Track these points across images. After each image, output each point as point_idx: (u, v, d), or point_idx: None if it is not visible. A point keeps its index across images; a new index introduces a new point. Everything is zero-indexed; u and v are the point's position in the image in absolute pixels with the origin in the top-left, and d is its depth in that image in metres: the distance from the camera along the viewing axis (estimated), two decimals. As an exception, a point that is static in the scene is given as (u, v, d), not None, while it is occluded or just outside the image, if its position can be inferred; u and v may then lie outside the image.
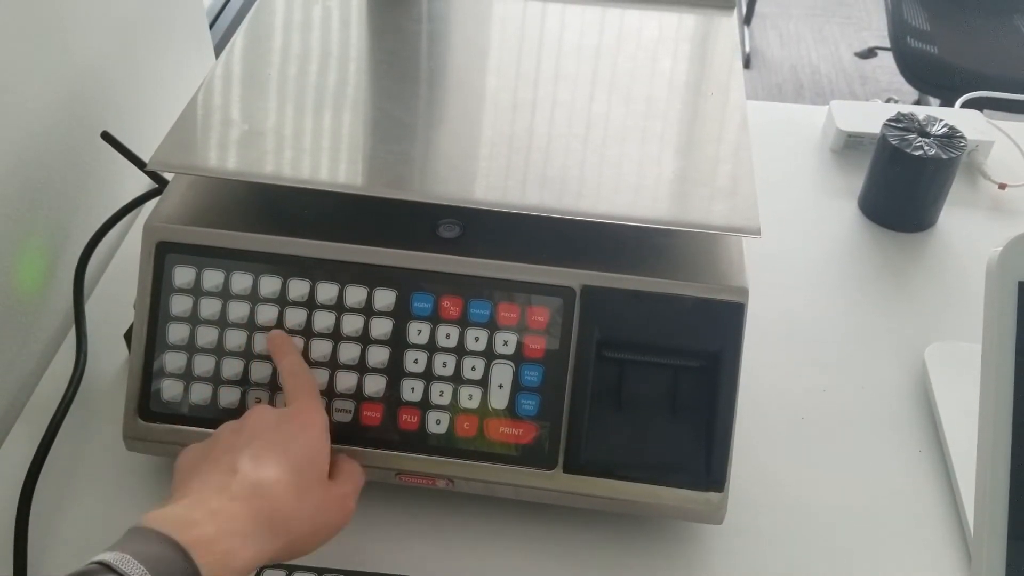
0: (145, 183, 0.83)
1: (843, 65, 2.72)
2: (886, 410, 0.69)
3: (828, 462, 0.66)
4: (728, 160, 0.60)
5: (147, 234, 0.58)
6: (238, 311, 0.58)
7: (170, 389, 0.59)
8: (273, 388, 0.58)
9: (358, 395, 0.58)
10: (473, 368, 0.57)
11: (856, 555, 0.60)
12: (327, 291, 0.58)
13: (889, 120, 0.83)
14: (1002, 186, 0.88)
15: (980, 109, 0.95)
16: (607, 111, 0.64)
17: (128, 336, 0.69)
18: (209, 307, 0.58)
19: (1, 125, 0.65)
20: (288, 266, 0.58)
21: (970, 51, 1.84)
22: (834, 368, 0.72)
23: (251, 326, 0.58)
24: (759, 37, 2.83)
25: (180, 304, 0.58)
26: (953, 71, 1.79)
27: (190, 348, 0.58)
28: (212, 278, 0.58)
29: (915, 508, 0.63)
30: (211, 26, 1.14)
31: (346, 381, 0.58)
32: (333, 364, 0.58)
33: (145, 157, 0.64)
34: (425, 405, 0.57)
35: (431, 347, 0.57)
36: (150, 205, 0.75)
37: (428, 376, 0.57)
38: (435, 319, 0.57)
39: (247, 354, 0.58)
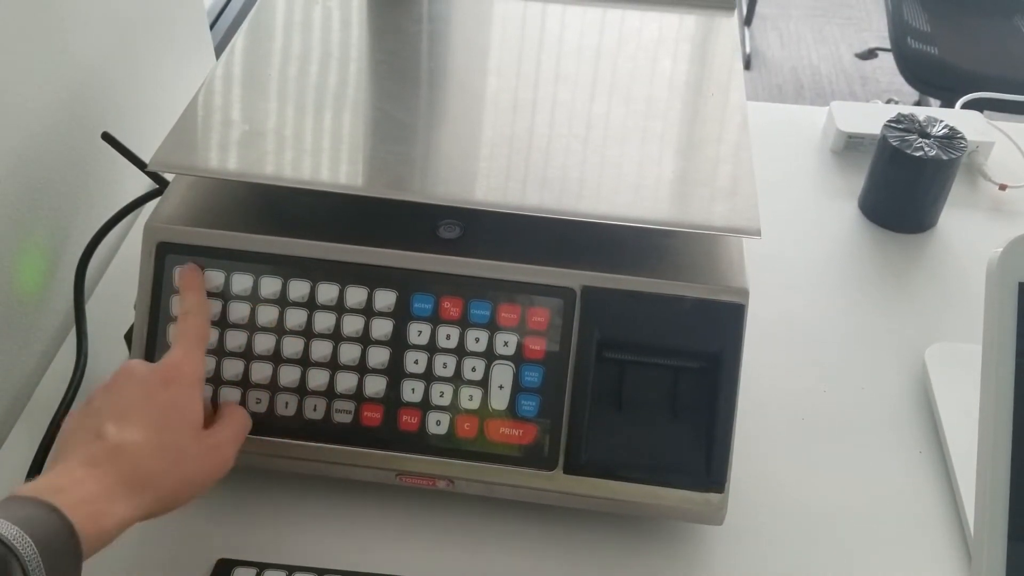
0: (145, 184, 0.83)
1: (843, 66, 2.72)
2: (886, 411, 0.69)
3: (828, 463, 0.66)
4: (728, 161, 0.60)
5: (147, 235, 0.59)
6: (238, 311, 0.58)
7: (170, 389, 0.59)
8: (273, 389, 0.58)
9: (358, 396, 0.58)
10: (473, 369, 0.57)
11: (856, 556, 0.60)
12: (327, 292, 0.58)
13: (889, 121, 0.83)
14: (1002, 187, 0.88)
15: (980, 110, 0.95)
16: (607, 112, 0.64)
17: (129, 337, 0.69)
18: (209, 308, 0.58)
19: (1, 126, 0.65)
20: (288, 267, 0.58)
21: (970, 52, 1.84)
22: (834, 369, 0.72)
23: (251, 327, 0.58)
24: (759, 38, 2.83)
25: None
26: (953, 72, 1.79)
27: (190, 348, 0.58)
28: (212, 279, 0.58)
29: (915, 509, 0.63)
30: (212, 27, 1.14)
31: (346, 382, 0.58)
32: (333, 365, 0.58)
33: (146, 158, 0.64)
34: (425, 406, 0.57)
35: (431, 348, 0.57)
36: (150, 206, 0.75)
37: (428, 377, 0.57)
38: (435, 320, 0.57)
39: (247, 355, 0.58)
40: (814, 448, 0.66)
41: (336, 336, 0.58)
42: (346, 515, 0.61)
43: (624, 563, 0.59)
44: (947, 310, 0.77)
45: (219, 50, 1.04)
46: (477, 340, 0.57)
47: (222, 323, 0.58)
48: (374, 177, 0.59)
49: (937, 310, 0.77)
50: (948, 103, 1.76)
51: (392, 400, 0.58)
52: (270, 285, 0.58)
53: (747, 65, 2.69)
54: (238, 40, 0.70)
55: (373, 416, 0.58)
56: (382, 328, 0.58)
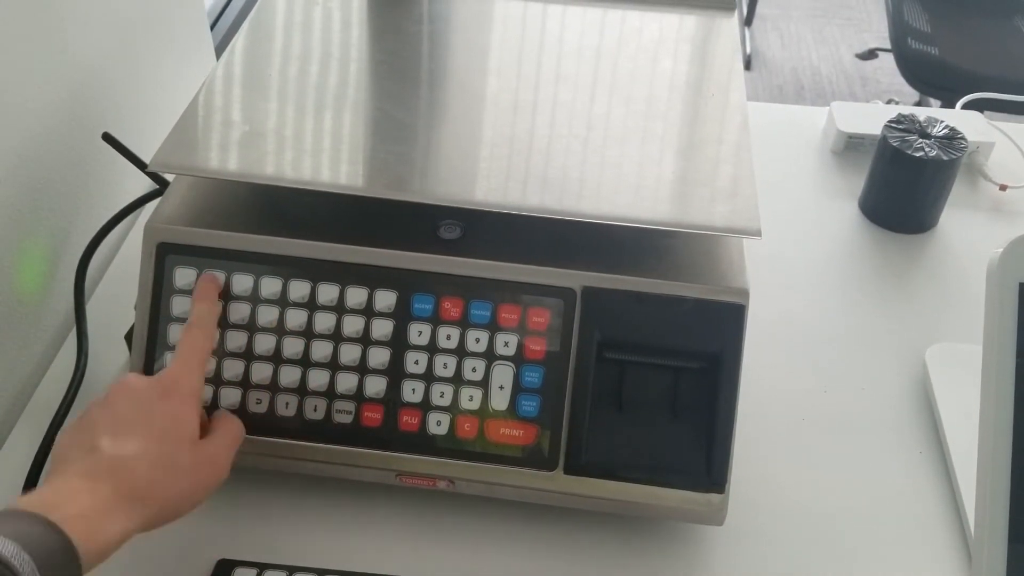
0: (146, 184, 0.83)
1: (844, 66, 2.72)
2: (887, 411, 0.69)
3: (829, 463, 0.65)
4: (729, 161, 0.60)
5: (148, 235, 0.59)
6: (239, 312, 0.58)
7: (171, 390, 0.59)
8: (273, 389, 0.58)
9: (359, 396, 0.58)
10: (474, 369, 0.57)
11: (857, 556, 0.60)
12: (328, 292, 0.58)
13: (890, 121, 0.83)
14: (1003, 187, 0.88)
15: (981, 110, 0.95)
16: (608, 112, 0.64)
17: (129, 337, 0.69)
18: (210, 308, 0.58)
19: (2, 126, 0.65)
20: (289, 267, 0.58)
21: (971, 52, 1.84)
22: (835, 369, 0.72)
23: (252, 327, 0.58)
24: (760, 38, 2.83)
25: (181, 305, 0.58)
26: (954, 72, 1.79)
27: (191, 349, 0.58)
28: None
29: (915, 510, 0.63)
30: (212, 27, 1.14)
31: (347, 382, 0.58)
32: (334, 365, 0.58)
33: (146, 158, 0.64)
34: (426, 406, 0.57)
35: (432, 348, 0.57)
36: (151, 206, 0.76)
37: (429, 377, 0.57)
38: (436, 320, 0.57)
39: (248, 355, 0.58)
40: (814, 449, 0.66)
41: (336, 336, 0.58)
42: (346, 515, 0.61)
43: (624, 563, 0.59)
44: (947, 310, 0.77)
45: (219, 50, 1.04)
46: (477, 340, 0.57)
47: (223, 323, 0.58)
48: (374, 177, 0.59)
49: (937, 311, 0.77)
50: (948, 103, 1.76)
51: (392, 400, 0.58)
52: (270, 285, 0.58)
53: (747, 65, 2.69)
54: (238, 40, 0.70)
55: (373, 416, 0.58)
56: (382, 328, 0.58)
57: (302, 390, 0.58)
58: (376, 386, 0.58)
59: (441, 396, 0.57)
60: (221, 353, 0.58)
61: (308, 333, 0.58)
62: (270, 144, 0.59)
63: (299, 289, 0.58)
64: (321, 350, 0.58)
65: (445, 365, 0.57)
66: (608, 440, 0.57)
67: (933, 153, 0.80)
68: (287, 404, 0.58)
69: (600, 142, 0.61)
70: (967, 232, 0.84)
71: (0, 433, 0.67)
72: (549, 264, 0.57)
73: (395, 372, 0.57)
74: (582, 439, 0.57)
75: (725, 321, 0.56)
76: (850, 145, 0.93)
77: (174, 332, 0.58)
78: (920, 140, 0.81)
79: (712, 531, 0.61)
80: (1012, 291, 0.46)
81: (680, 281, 0.56)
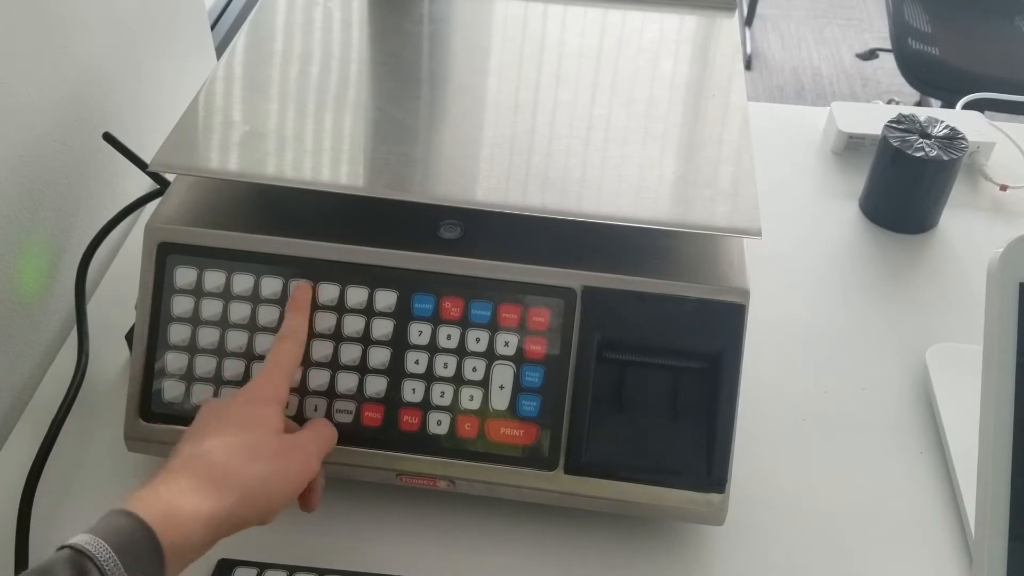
0: (147, 184, 0.83)
1: (844, 67, 2.72)
2: (887, 411, 0.69)
3: (829, 463, 0.65)
4: (729, 161, 0.60)
5: (148, 235, 0.59)
6: (239, 312, 0.58)
7: (171, 390, 0.59)
8: (274, 389, 0.58)
9: (359, 396, 0.58)
10: (474, 369, 0.57)
11: (857, 556, 0.60)
12: (328, 292, 0.58)
13: (890, 121, 0.83)
14: (1003, 187, 0.88)
15: (981, 111, 0.95)
16: (608, 113, 0.64)
17: (129, 337, 0.69)
18: (210, 308, 0.58)
19: (3, 126, 0.65)
20: (289, 267, 0.58)
21: (971, 53, 1.84)
22: (835, 369, 0.72)
23: (252, 327, 0.58)
24: (760, 38, 2.83)
25: (181, 305, 0.58)
26: (954, 73, 1.79)
27: (191, 349, 0.58)
28: (213, 279, 0.58)
29: (916, 509, 0.63)
30: (212, 27, 1.14)
31: (347, 382, 0.58)
32: (334, 365, 0.58)
33: (147, 158, 0.64)
34: (426, 406, 0.57)
35: (432, 348, 0.57)
36: (151, 206, 0.76)
37: (429, 377, 0.57)
38: (436, 320, 0.57)
39: (248, 355, 0.58)
40: (815, 448, 0.66)
41: (337, 336, 0.58)
42: (347, 515, 0.61)
43: (625, 563, 0.59)
44: (948, 311, 0.77)
45: (220, 51, 1.04)
46: (478, 340, 0.57)
47: (223, 323, 0.58)
48: (375, 177, 0.59)
49: (938, 311, 0.77)
50: (949, 104, 1.76)
51: (393, 400, 0.58)
52: (271, 285, 0.58)
53: (748, 66, 2.69)
54: (239, 41, 0.70)
55: (374, 416, 0.58)
56: (383, 328, 0.58)
57: (302, 390, 0.58)
58: (376, 386, 0.58)
59: (441, 396, 0.57)
60: (222, 353, 0.58)
61: (309, 333, 0.58)
62: (270, 144, 0.59)
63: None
64: (321, 350, 0.58)
65: (445, 365, 0.57)
66: (608, 440, 0.57)
67: (933, 153, 0.80)
68: (287, 404, 0.58)
69: (601, 142, 0.61)
70: (967, 232, 0.84)
71: (1, 432, 0.67)
72: (549, 264, 0.57)
73: (395, 372, 0.58)
74: (582, 439, 0.57)
75: (725, 321, 0.56)
76: (850, 145, 0.93)
77: (175, 332, 0.58)
78: (920, 140, 0.81)
79: (712, 531, 0.61)
80: (1012, 291, 0.46)
81: (681, 281, 0.56)
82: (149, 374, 0.59)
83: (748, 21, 2.87)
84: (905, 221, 0.84)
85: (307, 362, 0.58)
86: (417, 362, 0.57)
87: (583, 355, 0.57)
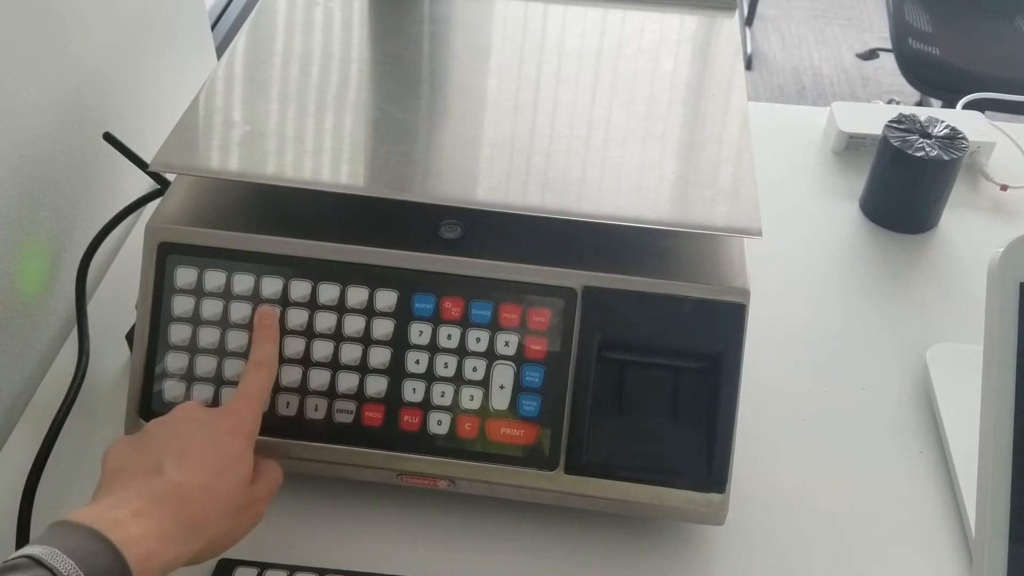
0: (147, 184, 0.83)
1: (844, 66, 2.72)
2: (887, 411, 0.69)
3: (829, 463, 0.65)
4: (729, 161, 0.60)
5: (149, 235, 0.59)
6: (240, 312, 0.58)
7: (172, 390, 0.59)
8: (274, 389, 0.58)
9: (360, 396, 0.58)
10: (474, 369, 0.57)
11: (857, 556, 0.60)
12: (329, 292, 0.58)
13: (891, 121, 0.83)
14: (1003, 187, 0.88)
15: (982, 110, 0.95)
16: (608, 113, 0.64)
17: (130, 337, 0.69)
18: (211, 308, 0.58)
19: (3, 126, 0.65)
20: (290, 267, 0.58)
21: (972, 53, 1.84)
22: (835, 369, 0.72)
23: (253, 327, 0.58)
24: (760, 38, 2.83)
25: (182, 305, 0.58)
26: (955, 72, 1.79)
27: (192, 349, 0.58)
28: (214, 279, 0.58)
29: (916, 509, 0.63)
30: (213, 27, 1.14)
31: (348, 382, 0.58)
32: (335, 365, 0.58)
33: (147, 158, 0.64)
34: (426, 406, 0.57)
35: (432, 348, 0.57)
36: (152, 206, 0.76)
37: (429, 377, 0.57)
38: (436, 320, 0.57)
39: (249, 355, 0.58)
40: (815, 448, 0.66)
41: (337, 336, 0.58)
42: (347, 515, 0.61)
43: (625, 563, 0.59)
44: (948, 310, 0.77)
45: (220, 51, 1.04)
46: (478, 340, 0.57)
47: (223, 323, 0.58)
48: (375, 177, 0.59)
49: (938, 310, 0.77)
50: (949, 103, 1.76)
51: (393, 400, 0.58)
52: (271, 285, 0.58)
53: (748, 66, 2.69)
54: (239, 41, 0.70)
55: (374, 416, 0.58)
56: (383, 328, 0.58)
57: (303, 390, 0.58)
58: (377, 386, 0.58)
59: (442, 396, 0.57)
60: (222, 353, 0.58)
61: (309, 333, 0.58)
62: (271, 144, 0.59)
63: (300, 289, 0.58)
64: (322, 350, 0.58)
65: (446, 365, 0.57)
66: (609, 440, 0.57)
67: (934, 153, 0.80)
68: (288, 404, 0.58)
69: (601, 142, 0.61)
70: (968, 232, 0.84)
71: (1, 433, 0.67)
72: (550, 264, 0.57)
73: (396, 372, 0.58)
74: (583, 439, 0.57)
75: (726, 321, 0.56)
76: (851, 145, 0.93)
77: (175, 332, 0.58)
78: (921, 140, 0.81)
79: (713, 531, 0.61)
80: (1013, 291, 0.46)
81: (681, 281, 0.56)
82: (149, 374, 0.59)
83: (748, 21, 2.87)
84: (905, 221, 0.84)
85: (307, 362, 0.58)
86: (417, 362, 0.57)
87: (583, 355, 0.57)
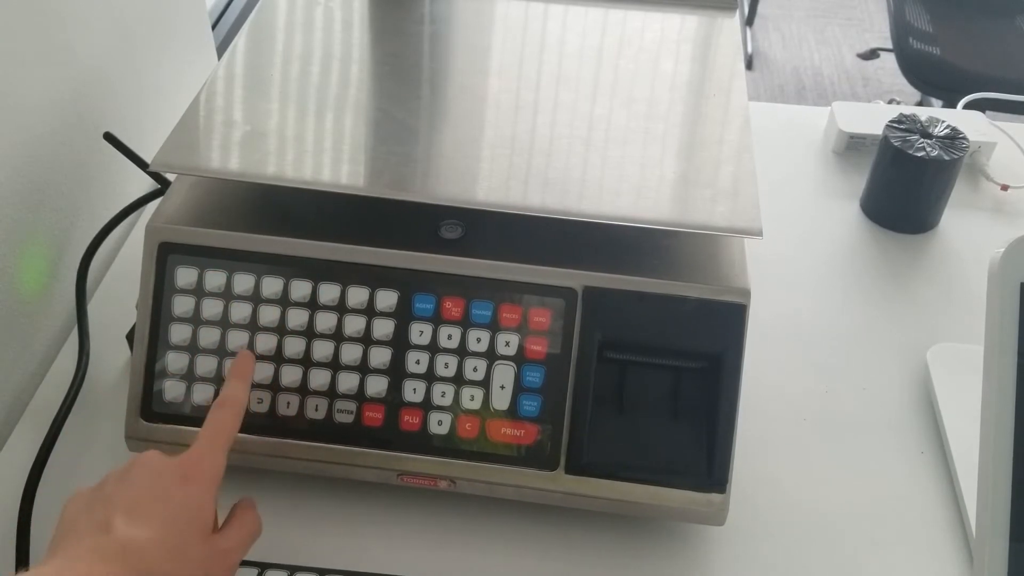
0: (147, 184, 0.83)
1: (845, 66, 2.71)
2: (888, 411, 0.69)
3: (830, 463, 0.65)
4: (730, 161, 0.60)
5: (149, 235, 0.59)
6: (240, 312, 0.58)
7: (172, 389, 0.59)
8: (275, 389, 0.58)
9: (360, 396, 0.58)
10: (475, 369, 0.57)
11: (858, 556, 0.60)
12: (329, 292, 0.58)
13: (891, 121, 0.83)
14: (1004, 187, 0.88)
15: (982, 110, 0.95)
16: (609, 113, 0.64)
17: (130, 337, 0.69)
18: (211, 308, 0.58)
19: (4, 126, 0.65)
20: (290, 267, 0.58)
21: (972, 52, 1.84)
22: (836, 369, 0.72)
23: (253, 327, 0.58)
24: (761, 38, 2.83)
25: (182, 305, 0.58)
26: (955, 72, 1.79)
27: (192, 349, 0.58)
28: (214, 279, 0.58)
29: (917, 509, 0.63)
30: (213, 27, 1.14)
31: (348, 382, 0.58)
32: (335, 365, 0.58)
33: (147, 158, 0.64)
34: (427, 406, 0.57)
35: (433, 348, 0.57)
36: (152, 206, 0.76)
37: (430, 377, 0.57)
38: (437, 320, 0.57)
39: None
40: (816, 449, 0.66)
41: (338, 336, 0.58)
42: (347, 515, 0.61)
43: (625, 563, 0.59)
44: (949, 311, 0.77)
45: (221, 50, 1.04)
46: (479, 340, 0.57)
47: (223, 323, 0.58)
48: (376, 177, 0.59)
49: (939, 311, 0.77)
50: (950, 103, 1.76)
51: (393, 400, 0.58)
52: (272, 285, 0.58)
53: (749, 65, 2.69)
54: (240, 40, 0.70)
55: (374, 416, 0.58)
56: (384, 328, 0.58)
57: (303, 390, 0.58)
58: (377, 386, 0.58)
59: (442, 396, 0.57)
60: (223, 353, 0.58)
61: (309, 333, 0.58)
62: (271, 144, 0.60)
63: (300, 289, 0.58)
64: (322, 350, 0.58)
65: (446, 365, 0.57)
66: (609, 440, 0.57)
67: (934, 153, 0.80)
68: (288, 404, 0.58)
69: (601, 142, 0.61)
70: (968, 232, 0.84)
71: (1, 433, 0.67)
72: (550, 264, 0.57)
73: (396, 372, 0.58)
74: (583, 439, 0.57)
75: (726, 321, 0.56)
76: (851, 145, 0.93)
77: (176, 331, 0.58)
78: (921, 140, 0.81)
79: (713, 531, 0.61)
80: (1013, 291, 0.46)
81: (681, 281, 0.56)
82: (150, 374, 0.59)
83: (749, 21, 2.87)
84: (906, 221, 0.84)
85: (308, 362, 0.58)
86: (418, 362, 0.57)
87: (584, 355, 0.57)
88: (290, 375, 0.58)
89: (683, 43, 0.73)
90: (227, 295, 0.58)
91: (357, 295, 0.58)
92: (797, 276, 0.80)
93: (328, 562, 0.58)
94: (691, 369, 0.57)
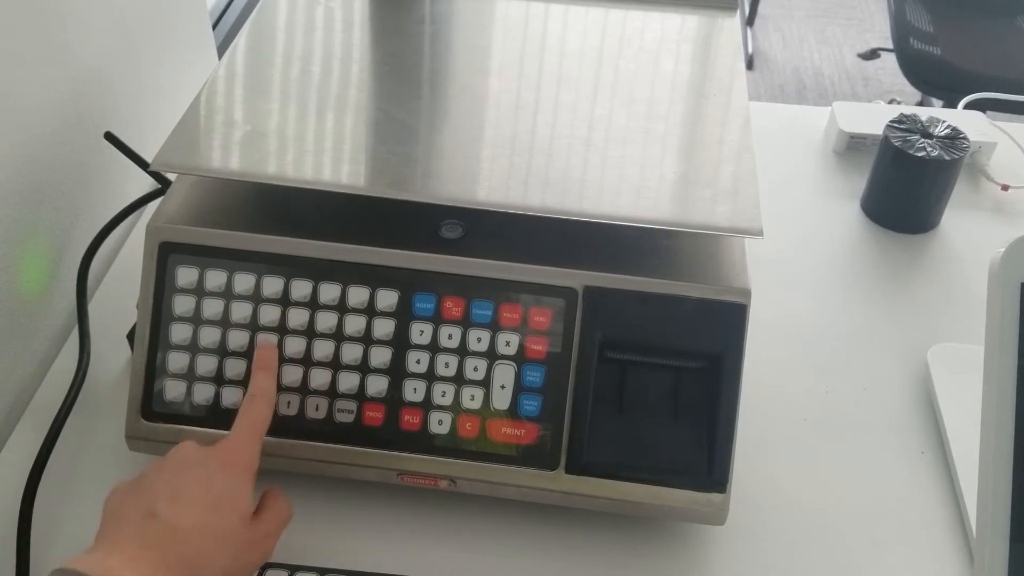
0: (148, 183, 0.83)
1: (846, 66, 2.71)
2: (888, 412, 0.69)
3: (830, 463, 0.65)
4: (730, 161, 0.60)
5: (150, 234, 0.59)
6: (240, 311, 0.58)
7: (173, 389, 0.59)
8: (276, 389, 0.58)
9: (360, 395, 0.58)
10: (475, 368, 0.57)
11: (858, 556, 0.60)
12: (329, 291, 0.58)
13: (892, 121, 0.83)
14: (1005, 187, 0.88)
15: (983, 110, 0.95)
16: (609, 113, 0.64)
17: (131, 336, 0.69)
18: (211, 307, 0.58)
19: (4, 126, 0.65)
20: (290, 266, 0.58)
21: (973, 52, 1.84)
22: (836, 369, 0.72)
23: (253, 326, 0.58)
24: (761, 38, 2.83)
25: (183, 304, 0.58)
26: (956, 72, 1.79)
27: (192, 348, 0.58)
28: (215, 278, 0.58)
29: (917, 510, 0.63)
30: (214, 27, 1.14)
31: (348, 381, 0.58)
32: (336, 364, 0.58)
33: (148, 157, 0.64)
34: (427, 405, 0.57)
35: (433, 347, 0.57)
36: (153, 205, 0.76)
37: (430, 376, 0.57)
38: (437, 319, 0.57)
39: (249, 354, 0.58)
40: (816, 449, 0.66)
41: (338, 336, 0.58)
42: (348, 515, 0.61)
43: (626, 563, 0.59)
44: (949, 311, 0.77)
45: (221, 50, 1.04)
46: (479, 340, 0.57)
47: (224, 323, 0.58)
48: (376, 177, 0.59)
49: (939, 311, 0.77)
50: (951, 103, 1.76)
51: (394, 400, 0.58)
52: (272, 285, 0.58)
53: (749, 65, 2.69)
54: (240, 40, 0.70)
55: (375, 416, 0.58)
56: (384, 328, 0.58)
57: (303, 389, 0.58)
58: (378, 385, 0.58)
59: (443, 395, 0.57)
60: (223, 353, 0.58)
61: (310, 332, 0.58)
62: (272, 144, 0.60)
63: (301, 288, 0.58)
64: (323, 349, 0.58)
65: (447, 364, 0.57)
66: (609, 440, 0.57)
67: (935, 153, 0.80)
68: (288, 403, 0.58)
69: (602, 142, 0.61)
70: (969, 232, 0.84)
71: (2, 432, 0.67)
72: (551, 264, 0.57)
73: (397, 371, 0.58)
74: (583, 439, 0.57)
75: (727, 321, 0.56)
76: (852, 145, 0.93)
77: (176, 331, 0.58)
78: (922, 140, 0.81)
79: (713, 531, 0.61)
80: (1014, 291, 0.46)
81: (682, 281, 0.56)
82: (150, 373, 0.59)
83: (749, 21, 2.87)
84: (906, 221, 0.84)
85: (308, 362, 0.58)
86: (418, 362, 0.57)
87: (584, 355, 0.57)
88: (290, 375, 0.58)
89: (683, 43, 0.73)
90: (227, 295, 0.58)
91: (357, 295, 0.58)
92: (797, 276, 0.80)
93: (328, 561, 0.58)
94: (691, 369, 0.57)
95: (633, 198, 0.57)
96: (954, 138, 0.81)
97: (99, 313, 0.73)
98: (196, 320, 0.58)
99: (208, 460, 0.51)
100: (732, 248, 0.59)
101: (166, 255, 0.58)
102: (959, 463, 0.64)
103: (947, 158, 0.79)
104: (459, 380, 0.57)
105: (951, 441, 0.65)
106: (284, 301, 0.58)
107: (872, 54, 2.73)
